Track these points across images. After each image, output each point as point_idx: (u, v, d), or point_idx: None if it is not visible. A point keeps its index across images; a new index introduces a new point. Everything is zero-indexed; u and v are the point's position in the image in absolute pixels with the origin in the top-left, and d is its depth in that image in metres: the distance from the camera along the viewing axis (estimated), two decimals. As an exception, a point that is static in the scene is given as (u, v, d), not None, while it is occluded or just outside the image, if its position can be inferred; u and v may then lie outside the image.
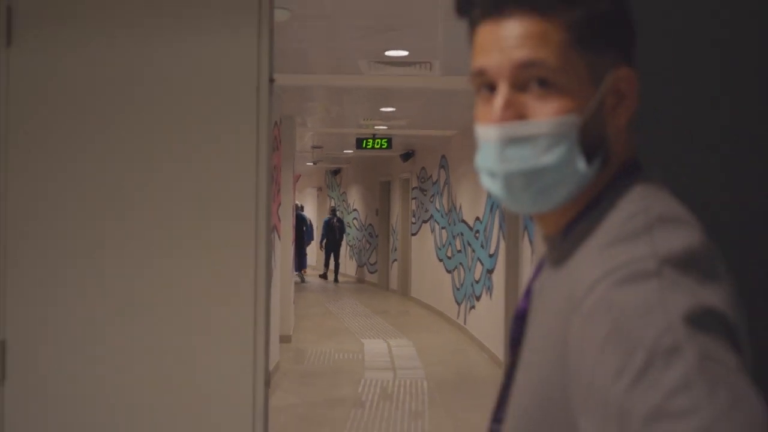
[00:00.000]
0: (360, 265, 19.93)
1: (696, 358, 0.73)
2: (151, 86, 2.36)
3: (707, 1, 1.90)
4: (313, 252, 20.77)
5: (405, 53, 6.27)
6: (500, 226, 8.93)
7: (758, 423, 0.70)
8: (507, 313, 8.48)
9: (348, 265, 20.91)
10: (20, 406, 2.37)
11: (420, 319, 12.96)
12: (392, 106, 9.46)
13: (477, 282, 10.25)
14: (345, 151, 15.58)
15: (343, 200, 21.63)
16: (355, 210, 20.50)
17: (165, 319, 2.34)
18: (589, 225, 0.95)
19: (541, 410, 0.91)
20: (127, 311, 2.35)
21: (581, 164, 0.93)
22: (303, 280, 18.72)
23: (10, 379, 2.38)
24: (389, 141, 12.53)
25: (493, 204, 9.24)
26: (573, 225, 0.98)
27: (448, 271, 12.19)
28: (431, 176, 13.52)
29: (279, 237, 8.53)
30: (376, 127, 11.54)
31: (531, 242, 7.51)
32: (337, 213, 20.61)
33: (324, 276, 20.19)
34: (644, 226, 0.87)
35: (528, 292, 1.11)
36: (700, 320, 0.76)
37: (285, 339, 9.50)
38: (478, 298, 10.25)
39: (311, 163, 18.61)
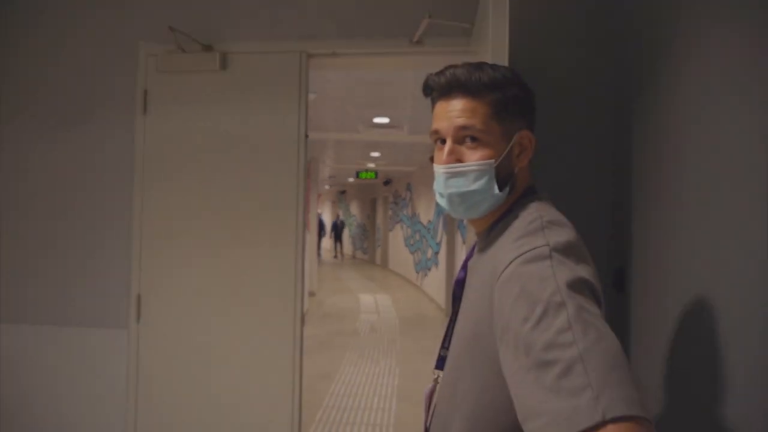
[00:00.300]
0: (356, 249, 19.88)
1: (574, 309, 0.72)
2: (237, 140, 2.34)
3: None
4: (326, 241, 20.75)
5: (386, 120, 6.26)
6: (443, 226, 8.91)
7: (613, 350, 0.69)
8: (447, 278, 8.45)
9: (349, 248, 20.85)
10: (149, 334, 2.37)
11: (394, 282, 12.89)
12: (378, 152, 9.43)
13: (429, 259, 10.21)
14: (348, 179, 15.47)
15: (347, 209, 21.56)
16: (354, 215, 20.45)
17: (244, 279, 2.33)
18: (502, 227, 0.94)
19: (475, 339, 0.88)
20: (222, 275, 2.33)
21: (496, 190, 0.94)
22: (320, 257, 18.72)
23: (143, 319, 2.37)
24: (376, 173, 12.47)
25: (439, 212, 9.22)
26: (493, 226, 0.98)
27: (411, 253, 12.15)
28: (401, 195, 13.46)
29: (309, 232, 8.49)
30: (367, 165, 11.50)
31: (462, 236, 7.50)
32: (340, 218, 20.82)
33: (335, 257, 20.19)
34: (539, 226, 0.86)
35: (464, 267, 1.09)
36: (577, 286, 0.76)
37: (312, 294, 9.44)
38: (429, 269, 10.21)
39: (327, 187, 18.52)
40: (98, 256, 2.40)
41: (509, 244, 0.86)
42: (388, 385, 4.96)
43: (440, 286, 8.97)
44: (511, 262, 0.81)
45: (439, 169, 0.96)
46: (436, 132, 0.97)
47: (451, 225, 8.43)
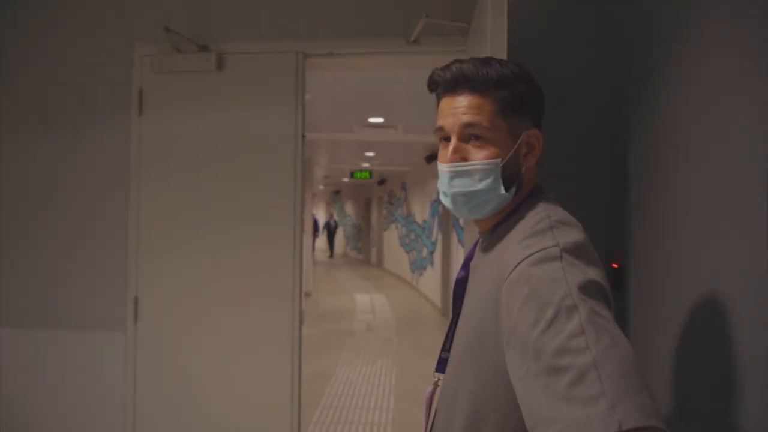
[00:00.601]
0: (352, 248, 19.86)
1: (587, 313, 0.69)
2: (234, 141, 2.33)
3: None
4: (321, 241, 20.77)
5: (381, 120, 6.25)
6: (438, 225, 8.92)
7: (627, 356, 0.67)
8: (443, 277, 8.46)
9: (344, 248, 20.84)
10: (147, 336, 2.35)
11: (389, 282, 12.90)
12: (372, 152, 9.43)
13: (424, 258, 10.21)
14: (343, 179, 15.45)
15: (342, 209, 21.54)
16: (348, 215, 20.42)
17: (242, 280, 2.32)
18: (508, 226, 0.91)
19: (479, 341, 0.85)
20: (220, 276, 2.32)
21: (501, 190, 0.91)
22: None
23: (141, 321, 2.35)
24: (370, 173, 12.47)
25: (434, 212, 9.22)
26: (498, 225, 0.95)
27: (407, 252, 12.14)
28: (396, 195, 13.45)
29: (304, 232, 8.46)
30: (362, 165, 11.50)
31: (458, 235, 7.51)
32: (333, 218, 20.92)
33: (331, 256, 20.19)
34: (548, 226, 0.83)
35: (465, 266, 1.05)
36: (588, 289, 0.73)
37: (307, 294, 9.42)
38: (424, 269, 10.21)
39: (322, 187, 18.48)
40: (94, 258, 2.38)
41: (516, 245, 0.83)
42: (385, 385, 4.96)
43: (436, 286, 8.97)
44: (519, 263, 0.78)
45: (444, 168, 0.93)
46: (440, 129, 0.94)
47: (446, 224, 8.43)
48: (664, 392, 1.26)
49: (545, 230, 0.83)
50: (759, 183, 0.92)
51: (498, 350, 0.80)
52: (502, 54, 1.44)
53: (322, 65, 2.44)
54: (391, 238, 14.11)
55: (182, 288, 2.33)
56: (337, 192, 21.32)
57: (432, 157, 8.75)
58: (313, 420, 4.08)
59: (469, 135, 0.91)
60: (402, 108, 5.58)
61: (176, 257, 2.34)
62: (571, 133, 1.78)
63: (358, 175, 12.41)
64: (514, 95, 0.91)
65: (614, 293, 1.61)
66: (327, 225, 20.29)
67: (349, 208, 20.46)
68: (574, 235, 0.82)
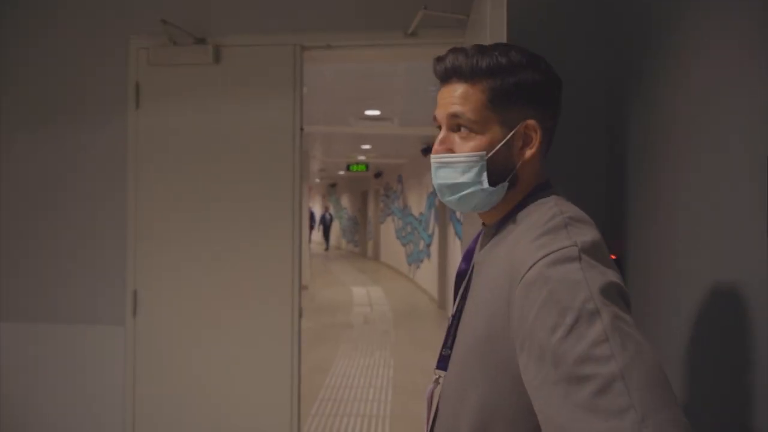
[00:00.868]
0: (348, 242, 19.87)
1: (610, 318, 0.66)
2: (232, 134, 2.32)
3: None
4: (317, 234, 20.82)
5: (377, 112, 6.24)
6: (435, 218, 8.93)
7: (654, 365, 0.65)
8: (440, 270, 8.48)
9: (340, 242, 20.86)
10: (146, 330, 2.35)
11: (386, 275, 12.90)
12: (369, 144, 9.41)
13: (420, 251, 10.21)
14: (339, 172, 15.41)
15: (338, 202, 21.54)
16: (345, 208, 20.43)
17: (241, 274, 2.32)
18: (515, 221, 0.87)
19: (488, 342, 0.81)
20: (219, 269, 2.32)
21: (485, 184, 0.87)
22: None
23: (140, 315, 2.35)
24: (367, 166, 12.46)
25: (430, 204, 9.23)
26: (504, 219, 0.90)
27: (403, 245, 12.14)
28: (392, 187, 13.43)
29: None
30: (358, 157, 11.48)
31: (455, 227, 7.52)
32: (329, 211, 20.90)
33: (326, 249, 20.24)
34: (562, 224, 0.79)
35: (466, 258, 1.02)
36: (609, 292, 0.70)
37: (304, 287, 9.41)
38: (421, 261, 10.22)
39: (318, 180, 18.46)
40: (92, 252, 2.37)
41: (529, 243, 0.78)
42: (383, 377, 4.98)
43: (433, 278, 8.99)
44: (535, 263, 0.74)
45: (431, 158, 0.92)
46: (435, 119, 0.92)
47: (443, 217, 8.44)
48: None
49: (559, 228, 0.79)
50: (758, 178, 0.92)
51: (508, 351, 0.77)
52: (502, 46, 1.43)
53: (320, 58, 2.43)
54: (388, 230, 14.10)
55: (181, 281, 2.33)
56: (334, 185, 21.29)
57: (428, 150, 8.75)
58: (311, 412, 4.09)
59: (456, 126, 0.89)
60: (398, 100, 5.57)
61: (175, 251, 2.34)
62: (569, 127, 1.77)
63: (355, 168, 12.38)
64: (508, 84, 0.86)
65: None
66: (323, 218, 20.33)
67: (345, 201, 20.45)
68: (590, 233, 0.78)
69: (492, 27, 1.51)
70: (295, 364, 2.30)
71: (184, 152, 2.34)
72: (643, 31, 1.46)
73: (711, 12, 1.12)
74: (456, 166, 0.88)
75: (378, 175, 14.57)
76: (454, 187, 0.89)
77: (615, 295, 0.70)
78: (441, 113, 0.90)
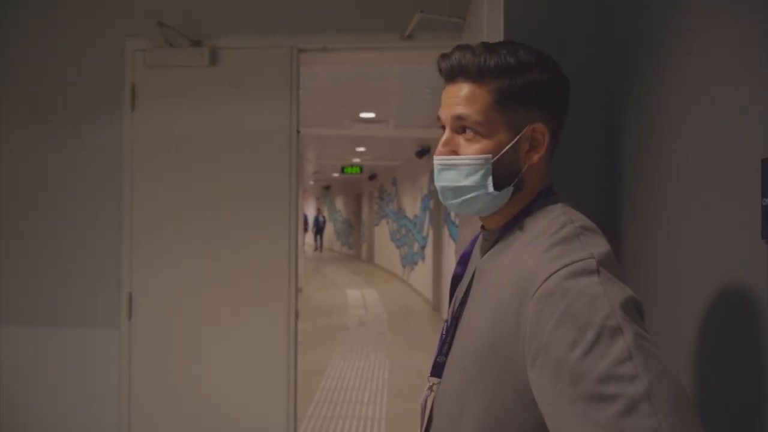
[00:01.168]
0: (342, 244, 19.87)
1: (632, 336, 0.64)
2: (228, 136, 2.31)
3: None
4: (309, 236, 20.87)
5: (372, 115, 6.25)
6: (429, 220, 8.94)
7: (679, 386, 0.63)
8: (434, 272, 8.49)
9: (334, 244, 20.85)
10: (141, 333, 2.33)
11: (381, 277, 12.93)
12: (363, 147, 9.43)
13: (415, 253, 10.23)
14: (333, 175, 15.41)
15: (332, 205, 21.54)
16: (339, 211, 20.44)
17: (237, 276, 2.31)
18: (521, 228, 0.85)
19: (494, 354, 0.77)
20: (215, 271, 2.31)
21: (490, 188, 0.84)
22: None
23: (135, 317, 2.34)
24: (361, 168, 12.48)
25: (425, 207, 9.24)
26: (508, 225, 0.87)
27: (398, 248, 12.17)
28: (387, 190, 13.45)
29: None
30: (353, 160, 11.48)
31: (449, 230, 7.52)
32: (322, 213, 21.19)
33: (316, 249, 20.46)
34: (574, 233, 0.77)
35: (462, 262, 0.99)
36: (629, 307, 0.68)
37: (299, 289, 9.38)
38: (415, 264, 10.24)
39: (312, 182, 18.45)
40: (87, 254, 2.36)
41: (542, 253, 0.75)
42: (378, 379, 4.97)
43: (427, 280, 9.00)
44: (551, 275, 0.70)
45: (434, 159, 0.88)
46: (438, 119, 0.89)
47: (437, 219, 8.45)
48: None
49: (572, 238, 0.76)
50: (753, 180, 0.92)
51: (516, 365, 0.74)
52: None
53: (316, 60, 2.43)
54: (382, 233, 14.11)
55: (176, 284, 2.32)
56: (328, 187, 21.29)
57: (423, 152, 8.76)
58: (307, 414, 4.08)
59: (461, 127, 0.85)
60: (394, 103, 5.58)
61: (170, 253, 2.33)
62: (567, 129, 1.78)
63: (349, 170, 12.39)
64: (515, 85, 0.82)
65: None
66: (316, 220, 20.37)
67: (339, 203, 20.46)
68: (603, 244, 0.76)
69: (489, 30, 1.51)
70: (292, 366, 2.29)
71: (180, 154, 2.33)
72: (639, 33, 1.47)
73: (703, 11, 1.12)
74: (460, 169, 0.84)
75: (372, 177, 14.58)
76: (458, 191, 0.85)
77: (633, 310, 0.68)
78: (445, 114, 0.86)
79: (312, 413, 4.13)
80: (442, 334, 0.94)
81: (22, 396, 2.36)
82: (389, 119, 6.50)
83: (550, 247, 0.75)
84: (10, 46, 2.41)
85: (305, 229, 18.14)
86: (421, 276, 9.65)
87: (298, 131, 2.32)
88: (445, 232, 7.92)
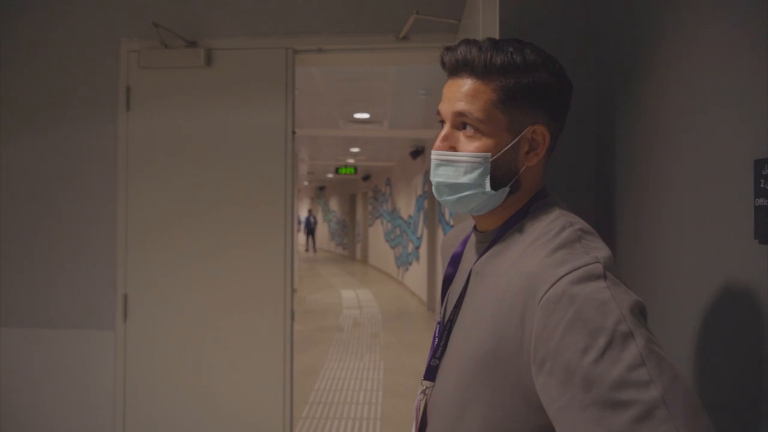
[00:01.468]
0: (337, 245, 19.85)
1: (644, 341, 0.64)
2: (223, 137, 2.31)
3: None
4: (301, 236, 20.90)
5: (367, 115, 6.25)
6: (424, 220, 8.95)
7: (690, 389, 0.63)
8: (429, 272, 8.49)
9: (329, 245, 20.83)
10: (136, 334, 2.33)
11: (375, 277, 12.90)
12: (358, 147, 9.42)
13: (409, 254, 10.23)
14: (327, 175, 15.39)
15: (327, 206, 21.52)
16: (333, 211, 20.41)
17: (232, 277, 2.31)
18: (519, 230, 0.84)
19: (495, 359, 0.76)
20: (210, 272, 2.30)
21: (487, 187, 0.83)
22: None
23: (131, 319, 2.33)
24: (355, 168, 12.47)
25: (419, 207, 9.25)
26: (504, 227, 0.86)
27: (392, 248, 12.16)
28: (381, 190, 13.45)
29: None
30: (347, 160, 11.47)
31: (444, 230, 7.52)
32: (312, 214, 21.17)
33: (306, 250, 20.50)
34: (575, 237, 0.76)
35: (453, 263, 0.98)
36: (637, 312, 0.68)
37: (294, 290, 9.37)
38: (410, 264, 10.24)
39: (306, 183, 18.41)
40: (82, 255, 2.35)
41: (545, 257, 0.74)
42: (373, 380, 4.97)
43: (422, 281, 9.00)
44: (558, 280, 0.70)
45: (432, 154, 0.86)
46: (438, 113, 0.87)
47: (432, 219, 8.46)
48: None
49: (573, 241, 0.75)
50: (745, 181, 0.93)
51: (520, 370, 0.73)
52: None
53: (312, 61, 2.43)
54: (376, 233, 14.10)
55: (171, 285, 2.31)
56: (322, 188, 21.27)
57: (417, 153, 8.77)
58: (302, 416, 4.08)
59: (462, 124, 0.84)
60: (388, 103, 5.58)
61: (165, 254, 2.32)
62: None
63: (343, 170, 12.38)
64: (522, 85, 0.81)
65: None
66: (307, 221, 20.37)
67: (333, 203, 20.44)
68: (604, 248, 0.75)
69: (484, 32, 1.52)
70: (288, 367, 2.29)
71: (175, 155, 2.33)
72: (633, 35, 1.48)
73: (695, 14, 1.13)
74: (458, 166, 0.83)
75: (366, 178, 14.57)
76: (454, 187, 0.84)
77: (638, 314, 0.68)
78: (446, 108, 0.84)
79: (307, 414, 4.13)
80: (435, 336, 0.93)
81: (17, 397, 2.34)
82: (384, 120, 6.50)
83: (552, 251, 0.74)
84: (2, 46, 2.39)
85: (298, 229, 18.14)
86: (416, 276, 9.65)
87: (293, 132, 2.32)
88: (440, 233, 7.92)
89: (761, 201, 0.89)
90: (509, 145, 0.83)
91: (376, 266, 14.13)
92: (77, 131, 2.36)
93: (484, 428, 0.77)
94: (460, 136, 0.84)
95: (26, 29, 2.39)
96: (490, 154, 0.82)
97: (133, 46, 2.34)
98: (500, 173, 0.83)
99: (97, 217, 2.35)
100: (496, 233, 0.87)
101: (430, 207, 8.44)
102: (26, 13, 2.40)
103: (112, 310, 2.32)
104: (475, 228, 0.94)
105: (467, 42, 0.84)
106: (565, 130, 1.69)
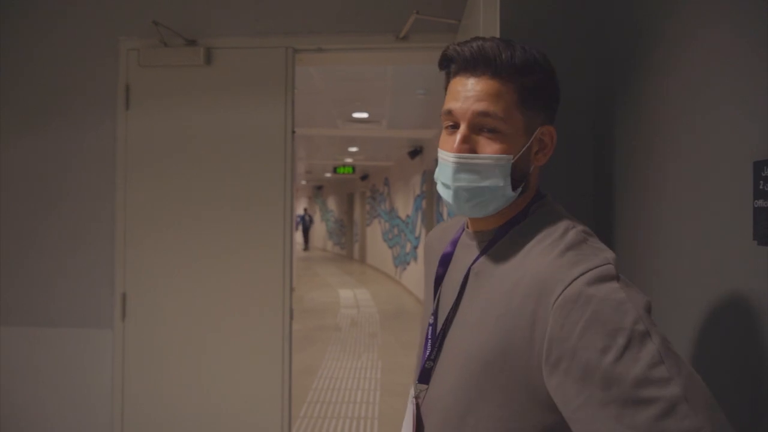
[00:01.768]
0: (335, 244, 19.83)
1: (660, 340, 0.66)
2: (223, 136, 2.31)
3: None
4: (297, 235, 20.94)
5: (366, 115, 6.24)
6: (422, 220, 8.95)
7: (704, 385, 0.65)
8: (426, 272, 8.48)
9: (327, 244, 20.83)
10: (135, 333, 2.32)
11: (373, 277, 12.88)
12: (356, 147, 9.42)
13: (407, 253, 10.22)
14: (325, 175, 15.38)
15: (324, 205, 21.51)
16: (331, 211, 20.39)
17: (231, 276, 2.30)
18: (522, 232, 0.83)
19: (505, 360, 0.75)
20: (209, 271, 2.30)
21: (509, 189, 0.81)
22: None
23: (129, 318, 2.33)
24: (353, 168, 12.47)
25: (417, 207, 9.25)
26: (504, 228, 0.85)
27: (390, 248, 12.15)
28: (379, 190, 13.43)
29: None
30: (345, 160, 11.46)
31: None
32: (307, 212, 21.30)
33: (305, 249, 20.50)
34: (581, 238, 0.77)
35: (443, 263, 0.95)
36: (649, 311, 0.69)
37: (291, 289, 9.36)
38: (408, 264, 10.24)
39: (304, 182, 18.41)
40: (80, 254, 2.34)
41: (555, 258, 0.74)
42: (371, 379, 4.97)
43: (420, 280, 9.00)
44: (573, 281, 0.70)
45: (449, 158, 0.81)
46: (448, 112, 0.82)
47: (429, 219, 8.46)
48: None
49: (580, 242, 0.76)
50: (744, 183, 0.93)
51: (530, 371, 0.73)
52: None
53: (312, 60, 2.43)
54: (374, 233, 14.09)
55: (171, 284, 2.31)
56: (320, 187, 21.24)
57: (416, 153, 8.77)
58: (300, 415, 4.07)
59: (482, 125, 0.80)
60: (387, 103, 5.58)
61: (164, 253, 2.32)
62: (559, 134, 1.79)
63: (341, 170, 12.37)
64: (535, 86, 0.80)
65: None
66: (302, 219, 20.38)
67: (331, 203, 20.42)
68: (608, 249, 0.76)
69: (485, 32, 1.52)
70: (286, 366, 2.29)
71: (174, 154, 2.32)
72: (633, 37, 1.48)
73: (694, 15, 1.13)
74: (481, 169, 0.80)
75: (365, 177, 14.56)
76: (477, 191, 0.81)
77: (651, 314, 0.70)
78: (462, 108, 0.80)
79: (305, 413, 4.13)
80: (427, 338, 0.91)
81: (15, 396, 2.34)
82: (382, 119, 6.50)
83: (561, 253, 0.74)
84: (2, 46, 2.39)
85: (296, 228, 18.15)
86: (414, 276, 9.65)
87: (293, 132, 2.32)
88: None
89: (760, 202, 0.90)
90: (526, 146, 0.82)
91: (374, 266, 14.12)
92: (76, 130, 2.35)
93: (491, 428, 0.77)
94: (479, 138, 0.81)
95: (26, 28, 2.38)
96: (511, 156, 0.80)
97: (132, 44, 2.33)
98: (516, 174, 0.82)
99: (96, 216, 2.34)
100: (494, 234, 0.86)
101: (428, 207, 8.44)
102: (26, 12, 2.39)
103: (111, 308, 2.32)
104: (466, 227, 0.92)
105: (480, 38, 0.81)
106: (565, 133, 1.71)
